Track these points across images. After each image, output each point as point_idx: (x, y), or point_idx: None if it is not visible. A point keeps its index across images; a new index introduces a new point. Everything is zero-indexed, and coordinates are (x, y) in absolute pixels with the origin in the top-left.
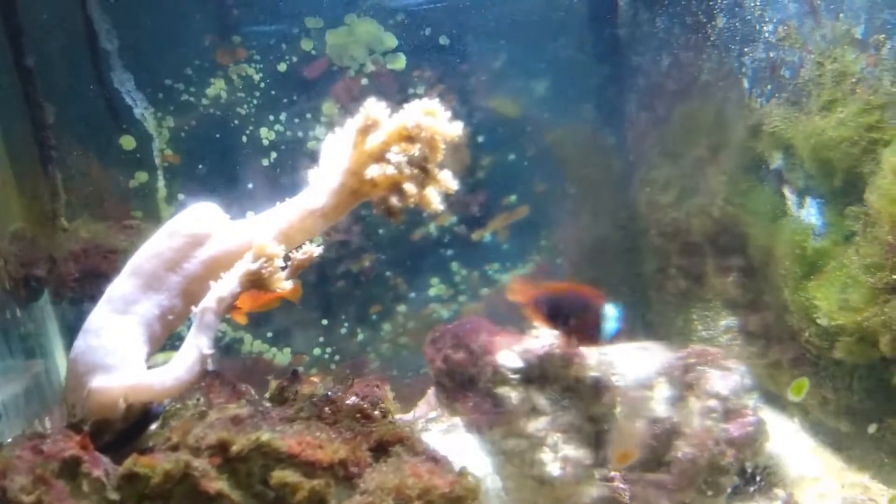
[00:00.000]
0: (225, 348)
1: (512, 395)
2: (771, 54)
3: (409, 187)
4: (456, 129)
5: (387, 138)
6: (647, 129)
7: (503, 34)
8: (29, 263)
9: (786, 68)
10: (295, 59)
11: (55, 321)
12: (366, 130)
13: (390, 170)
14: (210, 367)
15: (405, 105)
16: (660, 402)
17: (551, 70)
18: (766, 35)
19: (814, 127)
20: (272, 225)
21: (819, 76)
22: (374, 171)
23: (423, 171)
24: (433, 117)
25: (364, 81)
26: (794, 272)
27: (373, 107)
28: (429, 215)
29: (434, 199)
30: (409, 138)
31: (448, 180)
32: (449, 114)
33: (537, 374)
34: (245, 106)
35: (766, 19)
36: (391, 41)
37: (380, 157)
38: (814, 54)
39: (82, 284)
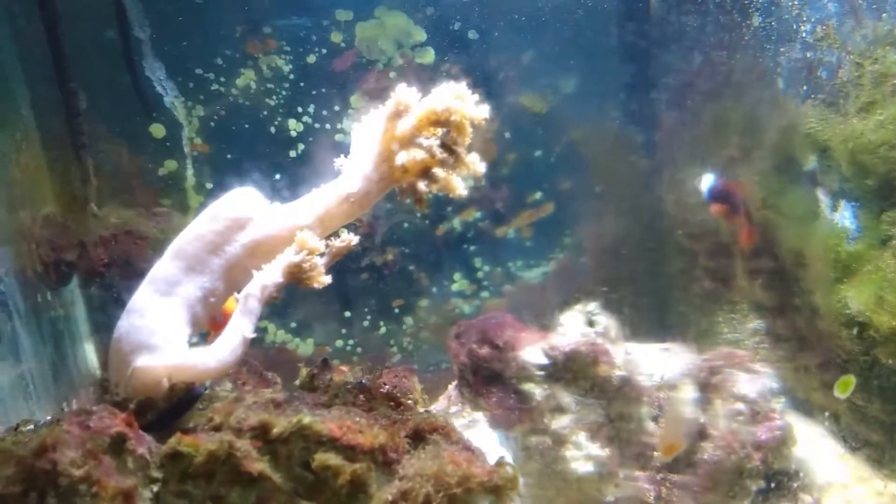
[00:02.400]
0: None
1: (536, 391)
2: (808, 54)
3: (439, 171)
4: (483, 112)
5: (417, 123)
6: (676, 128)
7: (533, 30)
8: (60, 248)
9: (823, 69)
10: (324, 51)
11: (83, 306)
12: (397, 115)
13: (420, 154)
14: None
15: (433, 90)
16: (686, 404)
17: (580, 67)
18: (804, 35)
19: (851, 129)
20: (310, 211)
21: (858, 77)
22: (403, 158)
23: (452, 155)
24: (462, 101)
25: (392, 75)
26: (826, 276)
27: (403, 92)
28: (454, 210)
29: (458, 185)
30: (439, 122)
31: (476, 163)
32: (476, 97)
33: (563, 371)
34: (274, 97)
35: (804, 19)
36: (420, 35)
37: (410, 141)
38: (853, 55)
39: (111, 270)
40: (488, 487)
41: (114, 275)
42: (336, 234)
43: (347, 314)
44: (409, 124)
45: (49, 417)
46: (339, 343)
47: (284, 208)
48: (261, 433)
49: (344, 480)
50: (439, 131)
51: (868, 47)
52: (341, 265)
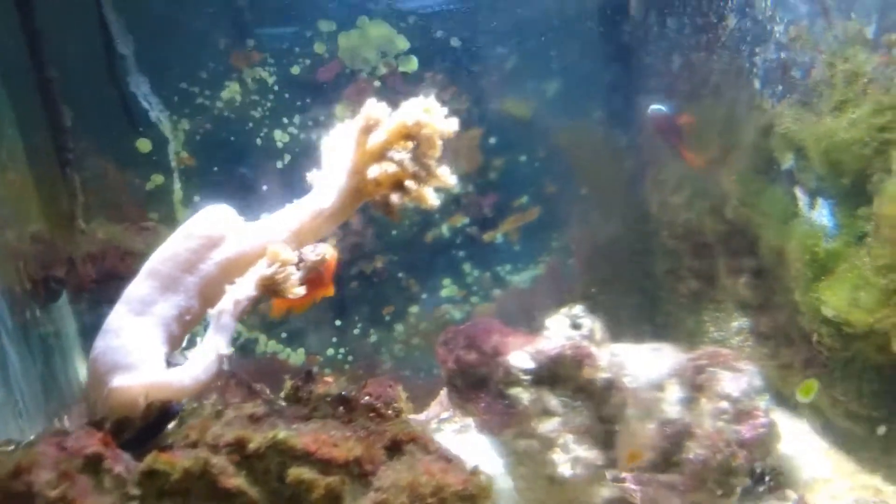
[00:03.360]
0: (240, 348)
1: (524, 395)
2: (782, 55)
3: (410, 184)
4: (452, 126)
5: (388, 137)
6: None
7: (515, 36)
8: (48, 265)
9: (797, 69)
10: (308, 61)
11: (73, 322)
12: (367, 130)
13: (392, 168)
14: (226, 367)
15: (402, 104)
16: (671, 404)
17: (562, 71)
18: (777, 35)
19: (825, 128)
20: (284, 226)
21: (830, 76)
22: (375, 171)
23: (423, 168)
24: (430, 114)
25: (376, 84)
26: (805, 274)
27: (373, 107)
28: (441, 216)
29: (430, 196)
30: (409, 136)
31: (447, 176)
32: (445, 110)
33: (549, 375)
34: (259, 109)
35: (777, 20)
36: (403, 43)
37: (382, 155)
38: (825, 54)
39: (100, 285)
40: (462, 497)
41: (103, 290)
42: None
43: (338, 323)
44: (380, 138)
45: (31, 438)
46: (331, 351)
47: (258, 225)
48: (237, 449)
49: (318, 494)
50: (410, 144)
51: (839, 47)
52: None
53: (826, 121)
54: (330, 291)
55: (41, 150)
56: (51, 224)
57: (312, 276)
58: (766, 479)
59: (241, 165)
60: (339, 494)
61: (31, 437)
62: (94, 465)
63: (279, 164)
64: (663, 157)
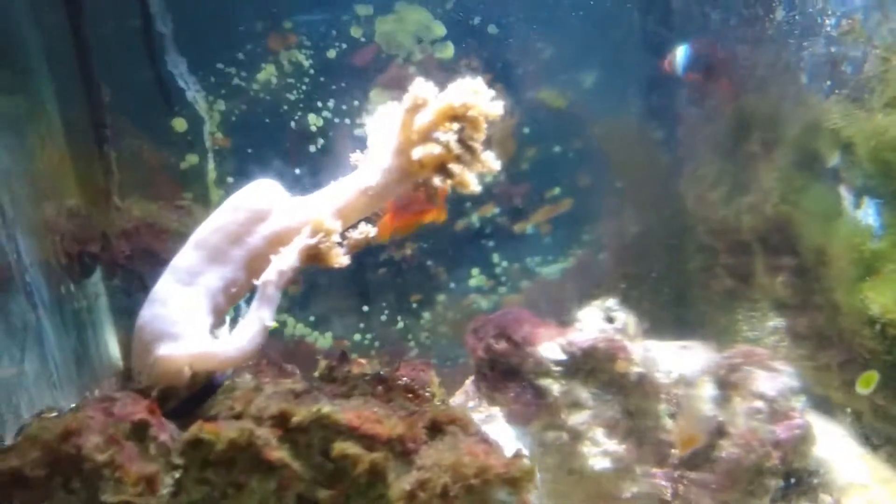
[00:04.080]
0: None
1: (554, 387)
2: (832, 49)
3: (454, 167)
4: (499, 109)
5: (434, 118)
6: (697, 123)
7: (552, 25)
8: (83, 240)
9: (847, 63)
10: (344, 45)
11: (106, 297)
12: (414, 110)
13: (436, 149)
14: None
15: (450, 85)
16: (705, 401)
17: (600, 62)
18: (828, 29)
19: (875, 126)
20: (329, 203)
21: (884, 72)
22: (420, 152)
23: (467, 151)
24: (478, 96)
25: (412, 69)
26: (849, 273)
27: (421, 87)
28: (472, 206)
29: (472, 181)
30: (455, 117)
31: (491, 160)
32: (492, 93)
33: (580, 367)
34: (294, 91)
35: (829, 12)
36: (440, 30)
37: (427, 136)
38: (879, 49)
39: (134, 262)
40: (505, 479)
41: (136, 267)
42: (354, 227)
43: (365, 308)
44: (426, 119)
45: (73, 405)
46: (357, 337)
47: (304, 200)
48: (281, 422)
49: (362, 469)
50: (455, 126)
51: (895, 42)
52: (360, 259)
53: (877, 118)
54: (442, 216)
55: (79, 126)
56: (87, 200)
57: (425, 198)
58: (801, 481)
59: (278, 149)
60: (383, 471)
61: (74, 405)
62: (140, 431)
63: (312, 147)
64: (702, 153)
